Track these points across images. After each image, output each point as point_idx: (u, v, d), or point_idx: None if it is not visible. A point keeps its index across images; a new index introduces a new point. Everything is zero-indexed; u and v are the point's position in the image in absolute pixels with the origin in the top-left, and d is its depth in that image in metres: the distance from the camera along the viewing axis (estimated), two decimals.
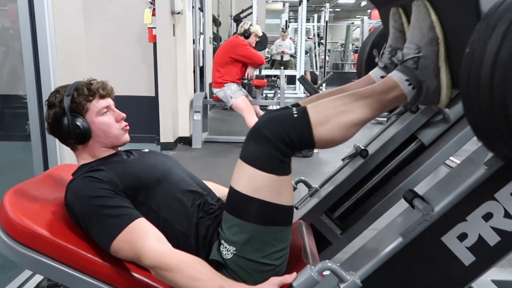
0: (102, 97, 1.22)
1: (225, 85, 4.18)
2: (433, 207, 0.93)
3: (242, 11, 8.32)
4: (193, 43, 4.77)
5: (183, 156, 4.05)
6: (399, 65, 1.06)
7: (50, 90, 1.49)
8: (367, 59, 1.55)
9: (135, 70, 4.35)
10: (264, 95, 6.78)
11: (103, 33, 4.26)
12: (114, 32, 4.28)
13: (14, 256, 1.10)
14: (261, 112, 4.51)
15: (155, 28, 3.93)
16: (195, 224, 1.15)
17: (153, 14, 3.93)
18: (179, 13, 4.01)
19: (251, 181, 1.01)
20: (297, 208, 1.59)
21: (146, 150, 1.36)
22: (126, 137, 1.28)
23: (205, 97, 4.64)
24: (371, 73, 1.25)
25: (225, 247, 1.06)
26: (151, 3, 3.94)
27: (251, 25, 4.27)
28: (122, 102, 4.81)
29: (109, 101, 1.24)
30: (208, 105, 6.59)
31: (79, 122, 1.18)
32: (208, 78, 5.77)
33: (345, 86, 1.23)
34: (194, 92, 4.74)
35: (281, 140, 0.98)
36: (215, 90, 4.31)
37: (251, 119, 4.06)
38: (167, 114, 4.10)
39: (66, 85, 1.24)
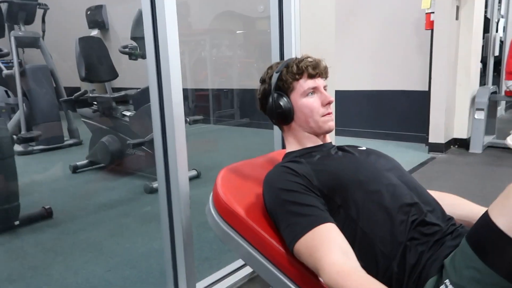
0: (311, 76, 1.10)
1: None
2: None
3: None
4: (487, 28, 3.95)
5: (455, 160, 3.44)
6: None
7: None
8: None
9: (408, 62, 4.03)
10: None
11: (380, 23, 4.15)
12: (390, 22, 4.09)
13: (216, 229, 1.13)
14: None
15: (433, 13, 3.48)
16: (403, 246, 0.87)
17: None
18: None
19: None
20: None
21: (363, 147, 1.15)
22: (330, 125, 1.11)
23: (495, 92, 3.78)
24: None
25: None
26: None
27: None
28: (390, 97, 4.62)
29: (318, 82, 1.11)
30: (503, 102, 5.43)
31: (282, 101, 1.10)
32: None
33: None
34: (481, 85, 3.94)
35: None
36: (509, 83, 3.44)
37: None
38: (440, 110, 3.57)
39: (283, 61, 1.17)
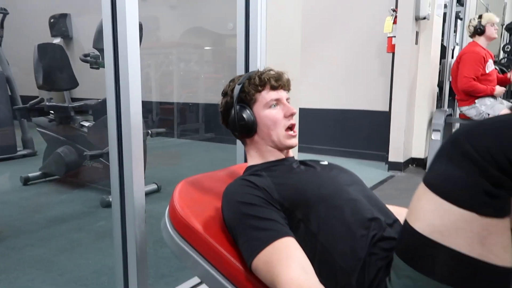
0: (274, 88, 1.09)
1: (475, 101, 3.43)
2: None
3: None
4: (443, 54, 4.15)
5: (413, 179, 3.54)
6: None
7: None
8: None
9: (370, 82, 4.15)
10: None
11: (344, 45, 4.27)
12: (354, 44, 4.21)
13: (171, 244, 1.08)
14: None
15: (394, 37, 3.62)
16: (362, 262, 0.85)
17: (395, 22, 3.63)
18: (424, 18, 3.55)
19: (437, 218, 0.68)
20: None
21: (325, 162, 1.14)
22: (292, 142, 1.10)
23: (450, 115, 3.95)
24: None
25: None
26: (394, 11, 3.66)
27: (480, 16, 3.41)
28: (353, 116, 4.72)
29: (280, 94, 1.10)
30: (458, 125, 5.69)
31: (245, 113, 1.08)
32: None
33: None
34: (437, 108, 4.11)
35: (494, 163, 0.62)
36: (462, 108, 3.61)
37: None
38: (399, 131, 3.68)
39: (245, 74, 1.16)
